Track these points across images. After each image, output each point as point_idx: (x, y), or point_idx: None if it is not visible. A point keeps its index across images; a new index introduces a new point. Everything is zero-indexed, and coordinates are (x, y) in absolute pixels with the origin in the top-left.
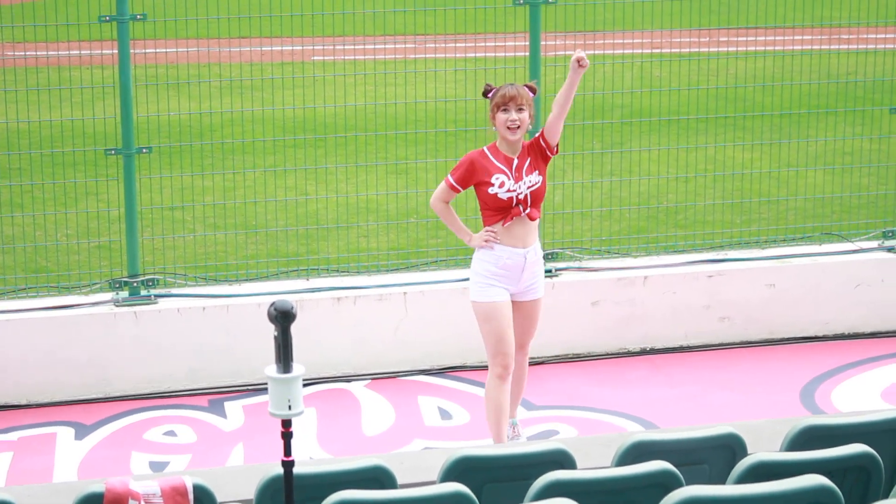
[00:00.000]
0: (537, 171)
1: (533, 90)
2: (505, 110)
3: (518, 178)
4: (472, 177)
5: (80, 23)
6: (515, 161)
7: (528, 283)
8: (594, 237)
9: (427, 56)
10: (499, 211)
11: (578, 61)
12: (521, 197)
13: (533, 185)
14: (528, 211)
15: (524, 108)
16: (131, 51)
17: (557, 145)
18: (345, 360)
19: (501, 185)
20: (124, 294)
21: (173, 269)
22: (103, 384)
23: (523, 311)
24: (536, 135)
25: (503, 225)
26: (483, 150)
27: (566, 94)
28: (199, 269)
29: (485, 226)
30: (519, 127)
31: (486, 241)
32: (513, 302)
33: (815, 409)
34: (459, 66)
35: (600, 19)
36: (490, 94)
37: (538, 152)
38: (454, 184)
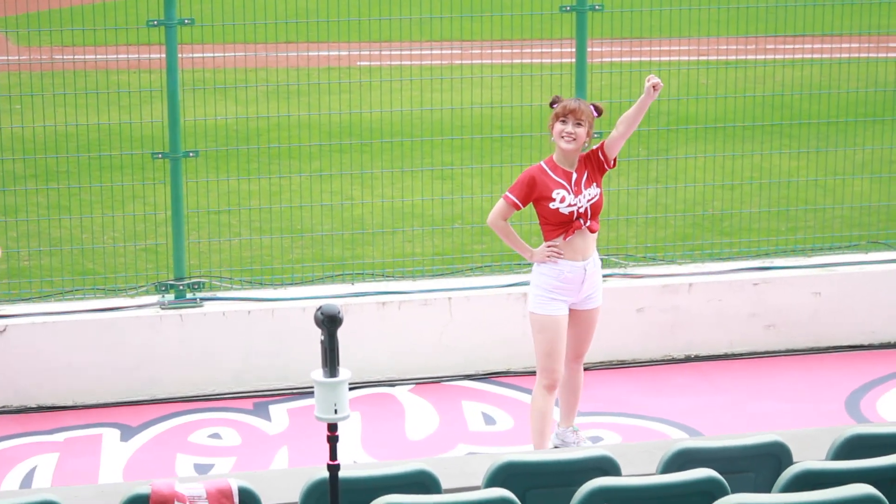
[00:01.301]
0: (595, 184)
1: (599, 110)
2: (563, 121)
3: (578, 192)
4: (532, 193)
5: (129, 27)
6: (574, 175)
7: (588, 292)
8: (639, 244)
9: (473, 62)
10: (560, 225)
11: (654, 86)
12: (581, 210)
13: (592, 198)
14: (588, 224)
15: (583, 123)
16: (179, 55)
17: (615, 159)
18: (389, 364)
19: (562, 199)
20: (170, 297)
21: (219, 272)
22: (149, 386)
23: (581, 320)
24: (595, 147)
25: (564, 239)
26: (541, 165)
27: (635, 116)
28: (245, 272)
29: (545, 240)
30: (575, 139)
31: (548, 256)
32: (571, 311)
33: (861, 418)
34: (506, 72)
35: (647, 26)
36: (554, 105)
37: (595, 165)
38: (515, 201)
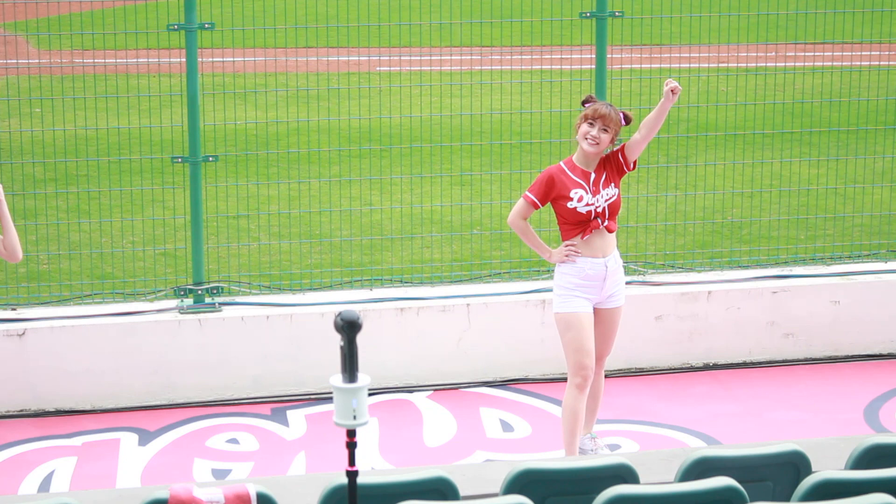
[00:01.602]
0: (613, 185)
1: (627, 119)
2: (591, 124)
3: (596, 192)
4: (551, 192)
5: (149, 31)
6: (592, 175)
7: (611, 291)
8: (658, 251)
9: (492, 68)
10: (578, 225)
11: (672, 90)
12: (599, 210)
13: (610, 198)
14: (606, 223)
15: (609, 130)
16: (199, 59)
17: (635, 162)
18: (407, 370)
19: (580, 199)
20: (189, 301)
21: (238, 277)
22: (167, 391)
23: (603, 319)
24: (615, 149)
25: (582, 238)
26: (560, 165)
27: (655, 120)
28: (264, 277)
29: (563, 240)
30: (597, 144)
31: (566, 255)
32: (595, 310)
33: (880, 427)
34: (525, 79)
35: (667, 33)
36: (586, 105)
37: (614, 166)
38: (534, 200)
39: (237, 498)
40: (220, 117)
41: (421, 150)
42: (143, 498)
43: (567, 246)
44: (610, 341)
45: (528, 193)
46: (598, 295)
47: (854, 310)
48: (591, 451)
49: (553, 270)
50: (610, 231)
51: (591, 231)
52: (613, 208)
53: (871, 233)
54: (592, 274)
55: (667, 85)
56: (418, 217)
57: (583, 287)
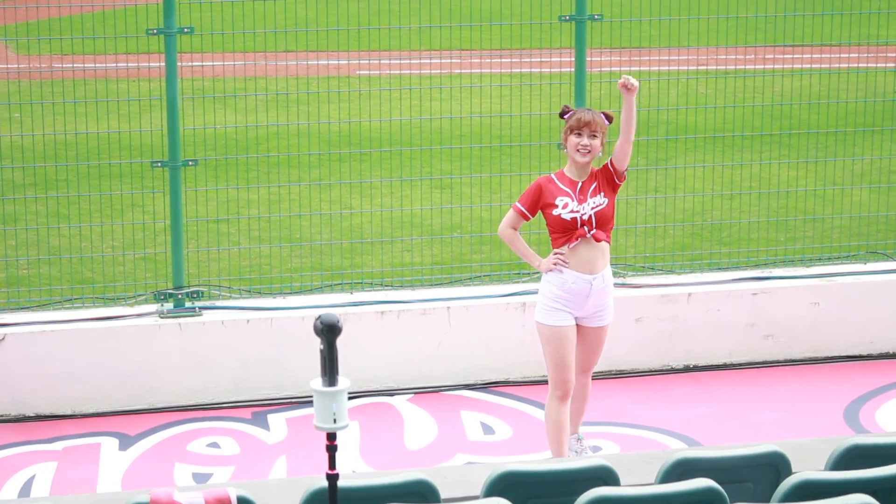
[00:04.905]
0: (603, 194)
1: (609, 118)
2: (578, 134)
3: (582, 200)
4: (539, 201)
5: (128, 36)
6: (580, 184)
7: (594, 309)
8: (638, 253)
9: (472, 71)
10: (564, 233)
11: (626, 86)
12: (584, 218)
13: (597, 207)
14: (592, 232)
15: (597, 134)
16: (178, 64)
17: (626, 171)
18: (388, 374)
19: (565, 206)
20: (169, 306)
21: (218, 281)
22: (147, 395)
23: (588, 337)
24: (605, 162)
25: (569, 247)
26: (550, 175)
27: (626, 119)
28: (244, 281)
29: (553, 248)
30: (589, 152)
31: (554, 264)
32: (579, 326)
33: (860, 428)
34: (504, 82)
35: (646, 36)
36: (566, 116)
37: (606, 179)
38: (523, 210)
39: (218, 502)
40: (200, 121)
41: (401, 153)
42: (124, 502)
43: (556, 254)
44: (595, 357)
45: (517, 204)
46: (581, 311)
47: (834, 311)
48: (576, 452)
49: (534, 275)
50: (597, 240)
51: (576, 239)
52: (601, 217)
53: (850, 234)
54: (576, 289)
55: (620, 83)
56: (398, 220)
57: (564, 300)
